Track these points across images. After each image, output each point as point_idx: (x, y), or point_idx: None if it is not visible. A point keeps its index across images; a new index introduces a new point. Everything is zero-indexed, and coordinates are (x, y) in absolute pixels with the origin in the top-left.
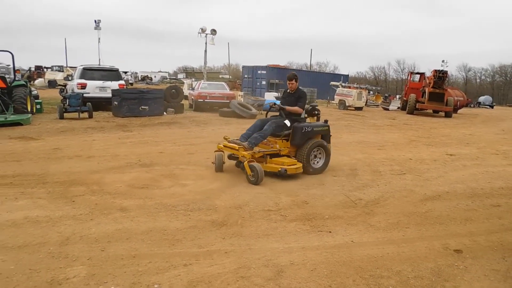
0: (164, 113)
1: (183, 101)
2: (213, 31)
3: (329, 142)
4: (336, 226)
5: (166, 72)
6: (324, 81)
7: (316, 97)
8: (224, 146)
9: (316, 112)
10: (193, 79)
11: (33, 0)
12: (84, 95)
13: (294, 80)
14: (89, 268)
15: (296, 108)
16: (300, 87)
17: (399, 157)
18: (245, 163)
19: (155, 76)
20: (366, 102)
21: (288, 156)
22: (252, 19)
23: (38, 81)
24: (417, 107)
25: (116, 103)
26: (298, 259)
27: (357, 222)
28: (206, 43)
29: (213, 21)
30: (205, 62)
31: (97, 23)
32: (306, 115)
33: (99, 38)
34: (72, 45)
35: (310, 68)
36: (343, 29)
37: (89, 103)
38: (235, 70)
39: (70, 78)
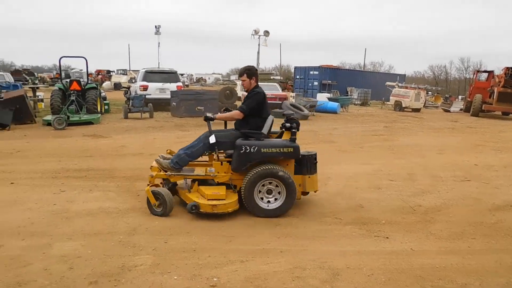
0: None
1: (236, 102)
2: (266, 33)
3: (310, 172)
4: (393, 232)
5: (219, 74)
6: (379, 81)
7: (370, 98)
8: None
9: (290, 125)
10: None
11: (101, 10)
12: (146, 96)
13: (245, 75)
14: (154, 257)
15: (230, 114)
16: (258, 86)
17: (462, 162)
18: (147, 188)
19: (209, 78)
20: (425, 103)
21: (229, 186)
22: (304, 19)
23: (105, 84)
24: (483, 108)
25: (174, 103)
26: (353, 263)
27: (416, 229)
28: (259, 45)
29: (265, 22)
30: (258, 64)
31: (157, 28)
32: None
33: (158, 43)
34: (135, 50)
35: (363, 68)
36: (399, 27)
37: (150, 104)
38: (287, 71)
39: (133, 80)
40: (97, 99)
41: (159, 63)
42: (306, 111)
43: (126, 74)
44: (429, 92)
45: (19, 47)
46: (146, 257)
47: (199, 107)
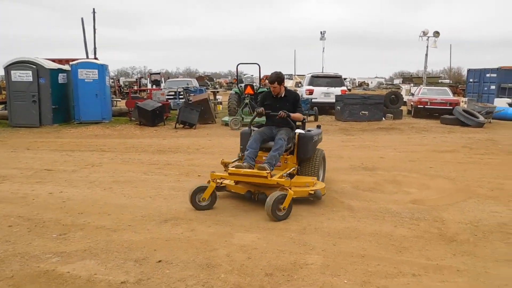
0: (383, 118)
1: (401, 107)
2: (436, 33)
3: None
4: None
5: (382, 78)
6: None
7: None
8: (230, 174)
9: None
10: (412, 85)
11: (270, 19)
12: (312, 100)
13: (276, 82)
14: (324, 259)
15: (299, 115)
16: (289, 89)
17: None
18: (290, 192)
19: (371, 82)
20: None
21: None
22: (479, 16)
23: None
24: None
25: (338, 108)
26: None
27: None
28: (427, 47)
29: (433, 22)
30: (425, 67)
31: (323, 34)
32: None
33: (323, 48)
34: (300, 56)
35: None
36: None
37: (316, 108)
38: (456, 74)
39: (299, 85)
40: None
41: (323, 67)
42: (481, 118)
43: (292, 79)
44: None
45: (200, 56)
46: (316, 257)
47: (363, 112)
